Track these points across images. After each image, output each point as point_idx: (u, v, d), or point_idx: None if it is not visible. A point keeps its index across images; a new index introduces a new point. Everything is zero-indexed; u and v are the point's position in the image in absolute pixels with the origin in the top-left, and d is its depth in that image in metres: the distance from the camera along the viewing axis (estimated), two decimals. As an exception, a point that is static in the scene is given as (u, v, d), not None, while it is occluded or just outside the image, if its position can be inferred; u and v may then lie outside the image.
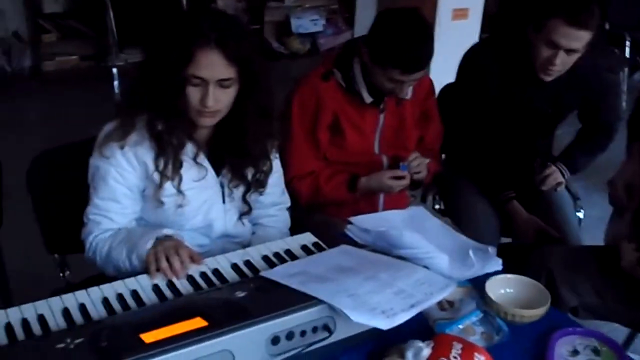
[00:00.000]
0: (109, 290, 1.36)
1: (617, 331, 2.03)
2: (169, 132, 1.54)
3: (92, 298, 1.32)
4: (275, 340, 1.18)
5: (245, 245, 1.77)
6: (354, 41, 2.13)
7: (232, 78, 1.50)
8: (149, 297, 1.35)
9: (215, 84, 1.48)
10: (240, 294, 1.28)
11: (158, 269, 1.43)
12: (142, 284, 1.39)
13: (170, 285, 1.40)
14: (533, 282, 1.52)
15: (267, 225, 1.84)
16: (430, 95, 2.20)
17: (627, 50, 4.81)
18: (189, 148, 1.59)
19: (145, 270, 1.46)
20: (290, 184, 1.94)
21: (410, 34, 1.88)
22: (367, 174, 2.13)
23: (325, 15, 5.91)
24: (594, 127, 2.44)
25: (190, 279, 1.42)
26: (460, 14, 3.91)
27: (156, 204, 1.59)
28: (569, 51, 2.04)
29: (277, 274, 1.38)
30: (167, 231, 1.53)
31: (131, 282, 1.39)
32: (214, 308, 1.23)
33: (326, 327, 1.23)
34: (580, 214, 2.49)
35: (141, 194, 1.62)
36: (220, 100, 1.51)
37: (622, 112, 2.45)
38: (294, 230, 1.86)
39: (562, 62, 2.07)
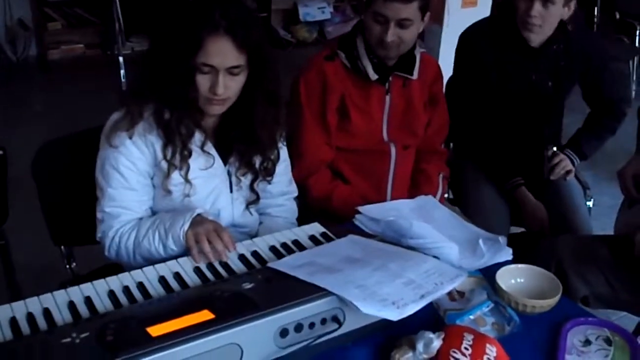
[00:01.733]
0: (115, 282, 1.34)
1: (627, 319, 2.01)
2: (178, 121, 1.52)
3: (98, 291, 1.31)
4: (283, 333, 1.17)
5: (252, 235, 1.76)
6: (359, 22, 2.10)
7: (241, 65, 1.49)
8: (155, 289, 1.34)
9: (224, 72, 1.47)
10: (248, 286, 1.26)
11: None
12: (149, 275, 1.38)
13: (177, 277, 1.38)
14: (544, 271, 1.50)
15: (274, 215, 1.82)
16: (438, 79, 2.17)
17: (638, 39, 4.74)
18: (197, 137, 1.57)
19: (185, 253, 1.47)
20: (303, 183, 1.91)
21: None
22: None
23: (333, 2, 5.85)
24: (600, 107, 2.42)
25: (197, 270, 1.41)
26: (469, 2, 3.88)
27: (164, 192, 1.58)
28: (546, 2, 2.05)
29: (285, 265, 1.36)
30: (199, 210, 1.53)
31: (137, 274, 1.38)
32: (221, 300, 1.22)
33: (335, 319, 1.22)
34: (590, 203, 2.47)
35: (151, 181, 1.61)
36: (230, 87, 1.50)
37: (630, 96, 2.42)
38: (302, 218, 1.86)
39: (540, 14, 2.07)
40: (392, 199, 2.13)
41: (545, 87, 2.28)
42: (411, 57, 2.03)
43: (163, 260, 1.45)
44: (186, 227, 1.47)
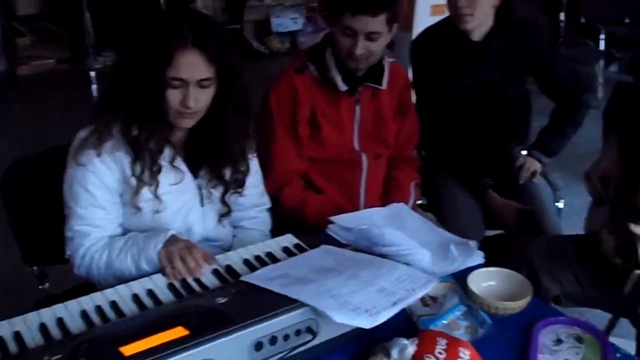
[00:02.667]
0: (88, 302, 1.34)
1: (600, 317, 2.05)
2: (147, 137, 1.53)
3: (71, 311, 1.30)
4: (258, 346, 1.17)
5: (226, 249, 1.76)
6: (328, 34, 2.12)
7: (211, 77, 1.50)
8: (129, 307, 1.33)
9: (195, 85, 1.48)
10: (222, 300, 1.26)
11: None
12: (122, 294, 1.37)
13: (150, 294, 1.38)
14: (515, 274, 1.52)
15: (248, 228, 1.83)
16: (407, 88, 2.20)
17: (602, 42, 4.83)
18: (166, 152, 1.57)
19: (157, 272, 1.47)
20: (276, 194, 1.92)
21: None
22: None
23: (305, 13, 5.89)
24: (560, 99, 2.45)
25: (171, 286, 1.41)
26: (438, 10, 3.93)
27: (133, 210, 1.57)
28: None
29: (258, 277, 1.37)
30: (173, 232, 1.54)
31: (110, 293, 1.37)
32: (195, 316, 1.22)
33: (309, 330, 1.23)
34: (560, 204, 2.50)
35: (120, 199, 1.61)
36: (201, 100, 1.51)
37: (594, 87, 2.46)
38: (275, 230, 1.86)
39: (467, 2, 2.14)
40: (365, 207, 2.14)
41: (495, 81, 2.34)
42: (379, 67, 2.05)
43: (135, 279, 1.45)
44: (159, 247, 1.48)
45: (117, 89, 1.52)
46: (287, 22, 5.82)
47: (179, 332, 1.16)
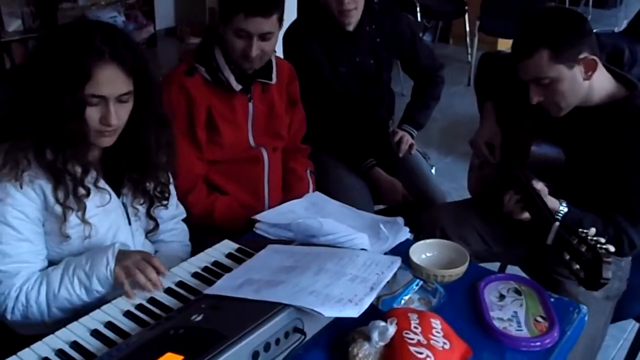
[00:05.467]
0: (44, 349, 1.21)
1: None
2: (65, 160, 1.41)
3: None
4: (255, 356, 1.15)
5: (152, 265, 1.69)
6: (210, 29, 2.08)
7: (130, 91, 1.42)
8: (93, 345, 1.23)
9: (115, 100, 1.39)
10: (198, 318, 1.22)
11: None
12: (77, 332, 1.26)
13: (110, 326, 1.29)
14: (449, 242, 1.64)
15: (168, 241, 1.76)
16: (293, 80, 2.23)
17: (419, 15, 5.20)
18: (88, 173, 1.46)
19: (111, 291, 1.39)
20: (183, 201, 1.86)
21: None
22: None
23: (123, 10, 5.63)
24: (420, 77, 2.66)
25: (129, 314, 1.32)
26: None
27: (61, 238, 1.45)
28: None
29: (223, 288, 1.34)
30: (118, 245, 1.44)
31: (65, 334, 1.25)
32: (180, 339, 1.16)
33: (297, 329, 1.23)
34: (433, 170, 2.71)
35: (43, 228, 1.47)
36: (121, 116, 1.43)
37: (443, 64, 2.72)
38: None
39: None
40: (270, 202, 2.16)
41: (369, 66, 2.48)
42: (268, 62, 2.05)
43: (84, 306, 1.36)
44: (112, 264, 1.39)
45: (25, 112, 1.38)
46: (106, 20, 5.53)
47: (171, 358, 1.10)
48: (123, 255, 1.41)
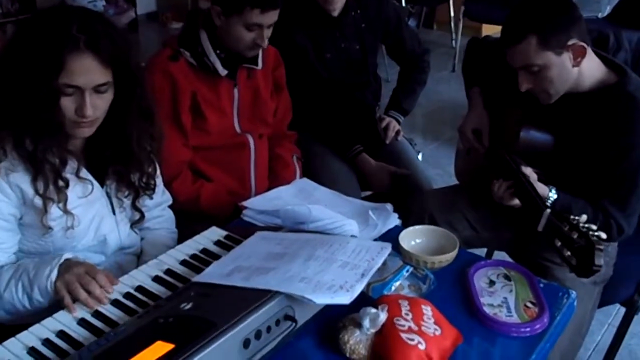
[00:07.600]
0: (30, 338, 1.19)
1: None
2: (44, 151, 1.37)
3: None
4: (246, 344, 1.14)
5: (137, 254, 1.68)
6: (193, 13, 2.05)
7: (108, 82, 1.37)
8: (81, 335, 1.21)
9: (91, 91, 1.35)
10: (187, 306, 1.20)
11: (74, 301, 1.29)
12: (64, 321, 1.24)
13: (97, 314, 1.27)
14: (438, 229, 1.63)
15: (154, 228, 1.74)
16: (279, 65, 2.20)
17: (403, 0, 5.18)
18: (69, 163, 1.43)
19: (53, 304, 1.32)
20: (168, 188, 1.83)
21: None
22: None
23: (103, -5, 5.54)
24: (406, 62, 2.65)
25: (117, 303, 1.30)
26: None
27: (42, 230, 1.42)
28: None
29: (212, 275, 1.32)
30: (67, 255, 1.38)
31: (50, 323, 1.23)
32: (170, 327, 1.15)
33: (288, 317, 1.21)
34: (420, 156, 2.71)
35: (18, 224, 1.44)
36: (98, 107, 1.38)
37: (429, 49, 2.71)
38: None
39: None
40: (256, 189, 2.14)
41: (355, 52, 2.46)
42: None
43: (28, 313, 1.33)
44: (54, 276, 1.32)
45: (1, 101, 1.35)
46: (85, 5, 5.43)
47: (161, 347, 1.08)
48: (66, 268, 1.33)
